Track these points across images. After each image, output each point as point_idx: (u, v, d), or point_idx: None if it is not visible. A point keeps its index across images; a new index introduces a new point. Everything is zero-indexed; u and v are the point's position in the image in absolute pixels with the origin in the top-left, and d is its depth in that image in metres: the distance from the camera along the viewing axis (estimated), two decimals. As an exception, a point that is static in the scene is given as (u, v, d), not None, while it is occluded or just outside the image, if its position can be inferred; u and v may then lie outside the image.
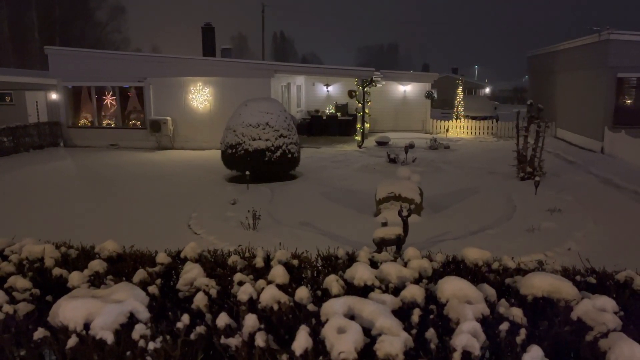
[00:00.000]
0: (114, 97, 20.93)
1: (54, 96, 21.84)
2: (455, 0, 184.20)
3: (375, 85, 21.41)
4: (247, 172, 12.44)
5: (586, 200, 11.09)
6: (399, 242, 7.31)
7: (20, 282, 3.01)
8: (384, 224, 8.21)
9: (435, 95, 27.24)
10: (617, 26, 18.27)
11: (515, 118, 14.30)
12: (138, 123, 20.87)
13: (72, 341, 2.40)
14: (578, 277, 3.03)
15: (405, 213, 7.56)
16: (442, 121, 25.89)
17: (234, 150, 13.24)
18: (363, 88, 20.18)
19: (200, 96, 19.98)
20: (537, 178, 11.86)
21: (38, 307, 2.90)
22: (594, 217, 9.73)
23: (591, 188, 12.57)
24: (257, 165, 13.00)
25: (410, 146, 17.62)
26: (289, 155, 13.44)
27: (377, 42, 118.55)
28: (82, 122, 21.34)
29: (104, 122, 21.23)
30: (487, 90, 57.55)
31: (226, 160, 13.67)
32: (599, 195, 11.75)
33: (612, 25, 18.35)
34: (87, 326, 2.47)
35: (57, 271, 3.22)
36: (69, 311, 2.48)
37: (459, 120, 26.06)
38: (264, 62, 23.53)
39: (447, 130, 25.10)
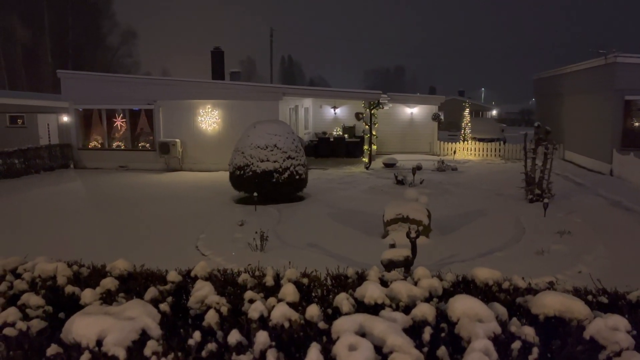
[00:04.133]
0: (124, 120, 21.21)
1: (65, 119, 22.20)
2: (461, 24, 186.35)
3: (382, 108, 21.57)
4: (255, 194, 12.50)
5: (596, 223, 10.99)
6: (407, 264, 7.27)
7: (33, 299, 3.04)
8: (392, 246, 8.16)
9: (442, 117, 27.33)
10: (623, 49, 18.40)
11: (523, 140, 14.30)
12: (147, 145, 21.09)
13: (85, 357, 2.42)
14: (590, 297, 3.01)
15: (413, 235, 7.55)
16: (450, 143, 25.94)
17: (242, 172, 13.32)
18: (370, 110, 20.33)
19: (209, 118, 20.20)
20: (545, 200, 11.80)
21: (51, 324, 2.93)
22: (604, 240, 9.63)
23: (601, 210, 12.46)
24: (265, 186, 13.05)
25: (418, 168, 17.62)
26: (297, 177, 13.49)
27: (384, 66, 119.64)
28: (92, 144, 21.60)
29: (114, 144, 21.47)
30: (494, 112, 57.73)
31: (234, 181, 13.75)
32: (608, 218, 11.65)
33: (619, 48, 18.48)
34: (99, 342, 2.49)
35: (69, 289, 3.25)
36: (82, 328, 2.51)
37: (466, 143, 26.10)
38: (272, 85, 23.83)
39: (455, 152, 25.12)
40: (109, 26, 56.32)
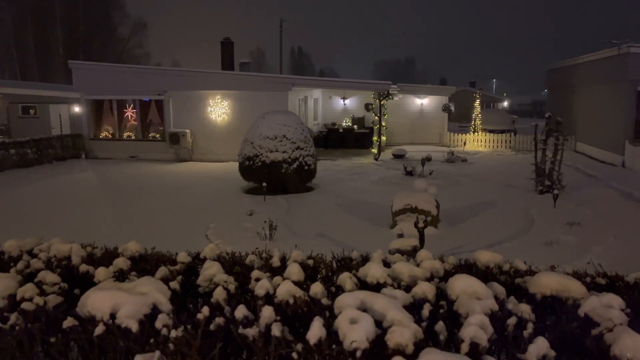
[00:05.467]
0: (134, 110, 21.40)
1: (76, 109, 22.42)
2: (473, 15, 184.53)
3: (392, 98, 21.53)
4: (264, 184, 12.60)
5: (606, 215, 10.93)
6: (414, 254, 7.32)
7: (49, 276, 3.17)
8: (400, 236, 8.22)
9: (452, 108, 27.22)
10: (637, 40, 18.17)
11: (534, 131, 14.23)
12: (157, 135, 21.27)
13: (100, 329, 2.55)
14: (588, 279, 3.07)
15: (421, 225, 7.61)
16: (460, 134, 25.84)
17: (251, 162, 13.42)
18: (380, 101, 20.31)
19: (218, 109, 20.31)
20: (555, 191, 11.77)
21: (66, 299, 3.05)
22: (615, 232, 9.59)
23: (612, 202, 12.39)
24: (274, 176, 13.15)
25: (427, 159, 17.62)
26: (306, 167, 13.57)
27: (394, 57, 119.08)
28: (103, 134, 21.84)
29: (125, 135, 21.69)
30: (505, 103, 57.32)
31: (244, 171, 13.86)
32: (619, 210, 11.58)
33: (632, 39, 18.27)
34: (113, 315, 2.61)
35: (83, 268, 3.38)
36: (97, 301, 2.63)
37: (476, 134, 25.99)
38: (281, 76, 23.86)
39: (465, 144, 25.04)
40: (120, 17, 56.53)
